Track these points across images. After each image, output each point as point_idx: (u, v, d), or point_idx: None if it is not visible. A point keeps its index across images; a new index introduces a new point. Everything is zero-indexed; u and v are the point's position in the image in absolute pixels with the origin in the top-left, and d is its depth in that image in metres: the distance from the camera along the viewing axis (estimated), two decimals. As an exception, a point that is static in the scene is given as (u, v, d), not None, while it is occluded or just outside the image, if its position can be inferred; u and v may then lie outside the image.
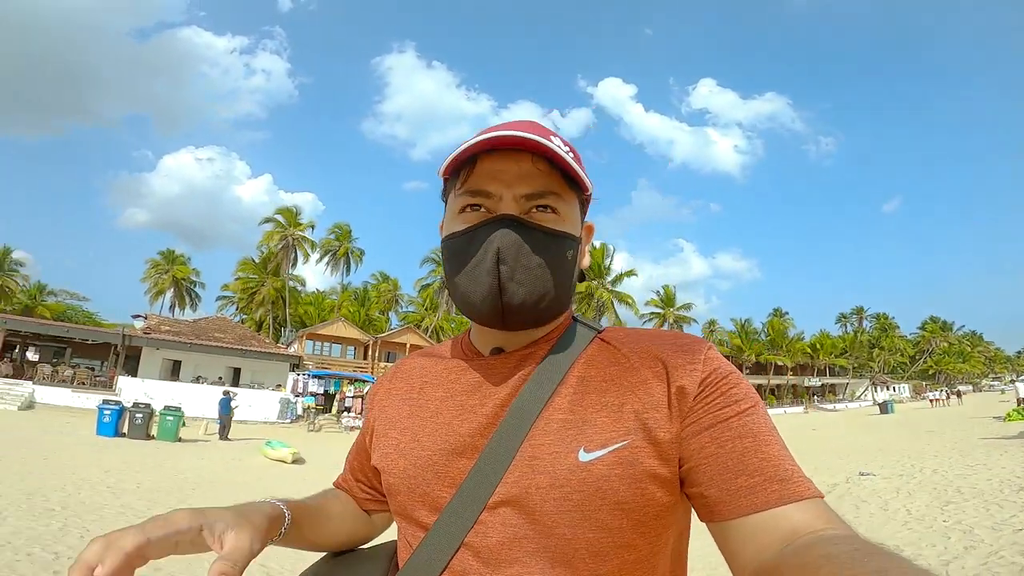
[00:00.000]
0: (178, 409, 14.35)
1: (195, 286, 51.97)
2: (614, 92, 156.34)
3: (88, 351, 27.93)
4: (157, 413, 14.05)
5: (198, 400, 19.96)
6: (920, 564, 0.35)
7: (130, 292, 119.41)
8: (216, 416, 16.15)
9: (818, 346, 56.49)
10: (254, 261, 45.55)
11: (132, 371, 22.91)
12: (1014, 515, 4.83)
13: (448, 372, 0.63)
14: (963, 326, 75.60)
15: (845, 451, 12.56)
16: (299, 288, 48.87)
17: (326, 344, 31.03)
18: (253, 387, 24.12)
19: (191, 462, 10.68)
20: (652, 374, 0.54)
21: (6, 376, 20.58)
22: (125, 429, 13.66)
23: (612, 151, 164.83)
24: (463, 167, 0.58)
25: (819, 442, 15.63)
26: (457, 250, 0.59)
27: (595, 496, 0.50)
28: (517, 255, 0.55)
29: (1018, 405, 12.66)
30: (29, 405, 18.78)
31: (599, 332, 0.62)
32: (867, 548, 0.39)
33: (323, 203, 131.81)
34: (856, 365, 60.76)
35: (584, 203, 0.64)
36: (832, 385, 57.48)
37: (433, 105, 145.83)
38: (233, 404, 16.15)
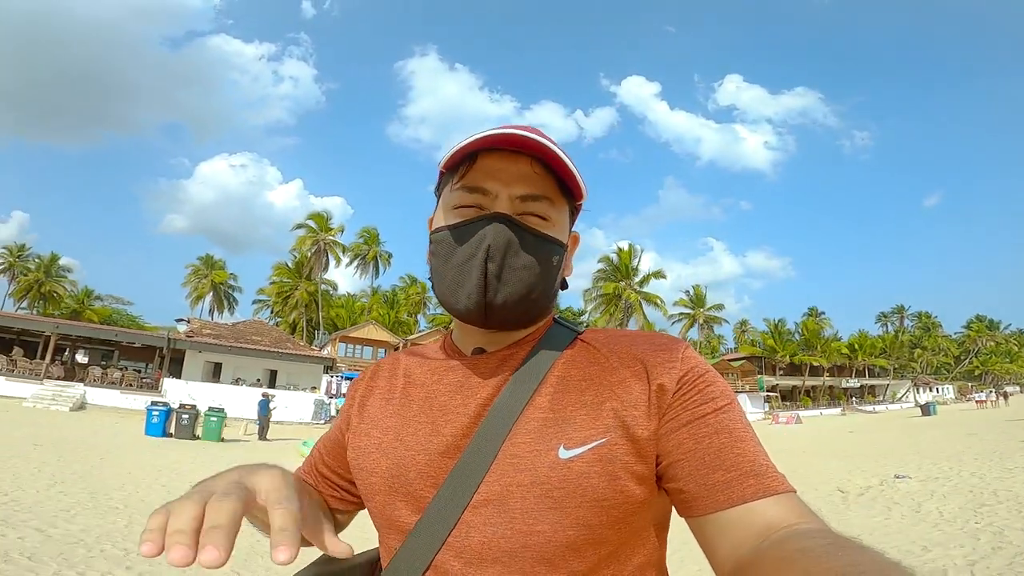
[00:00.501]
0: (221, 410, 14.91)
1: (233, 290, 53.82)
2: (637, 90, 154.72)
3: (134, 353, 29.18)
4: (202, 414, 14.63)
5: (238, 401, 20.63)
6: (891, 556, 0.36)
7: (171, 296, 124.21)
8: (255, 417, 16.68)
9: (856, 346, 54.64)
10: (288, 266, 46.79)
11: (176, 373, 23.88)
12: None
13: (431, 372, 0.64)
14: (1010, 324, 72.29)
15: (882, 454, 12.26)
16: (331, 291, 50.04)
17: (358, 347, 31.75)
18: (289, 388, 24.81)
19: (238, 462, 11.09)
20: (631, 373, 0.55)
21: (58, 378, 21.68)
22: (172, 429, 14.31)
23: (637, 150, 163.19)
24: (463, 163, 0.59)
25: (856, 445, 15.22)
26: (448, 243, 0.59)
27: (575, 493, 0.51)
28: (505, 254, 0.56)
29: None
30: (81, 406, 19.71)
31: (579, 333, 0.63)
32: (840, 541, 0.40)
33: (352, 207, 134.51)
34: (897, 366, 58.65)
35: (574, 212, 0.65)
36: (871, 386, 55.58)
37: (457, 107, 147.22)
38: (272, 405, 16.68)
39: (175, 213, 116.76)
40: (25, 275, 49.42)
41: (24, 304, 49.63)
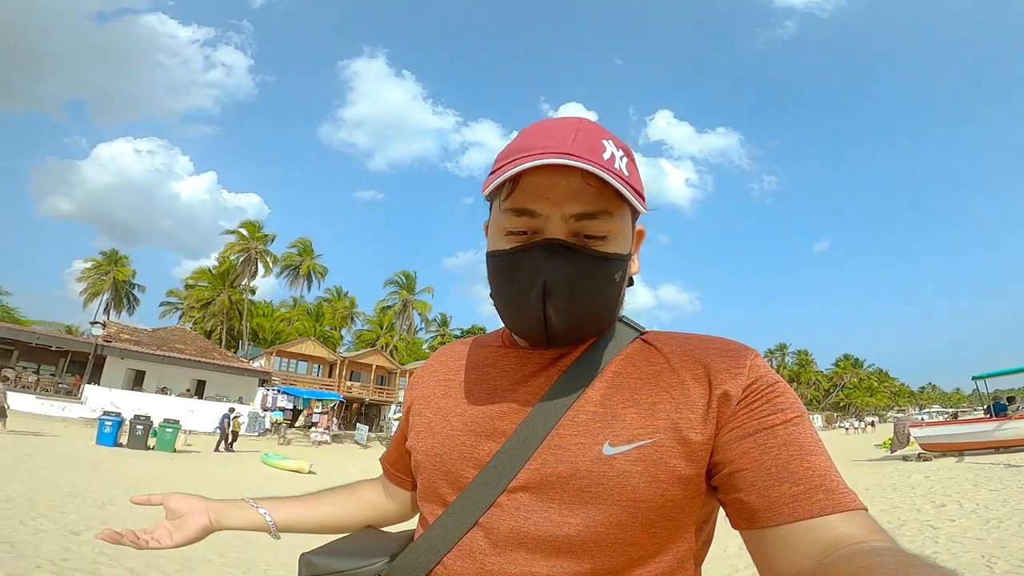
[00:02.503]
0: (176, 422, 14.95)
1: (133, 288, 49.94)
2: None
3: (35, 355, 26.81)
4: (155, 425, 14.58)
5: (163, 411, 20.02)
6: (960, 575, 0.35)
7: (47, 287, 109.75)
8: (214, 429, 16.97)
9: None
10: (211, 271, 44.61)
11: (95, 380, 22.53)
12: None
13: (486, 358, 0.64)
14: (872, 364, 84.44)
15: None
16: (247, 298, 48.16)
17: (292, 361, 31.32)
18: (220, 400, 24.25)
19: (215, 470, 11.57)
20: (691, 376, 0.54)
21: (-42, 380, 19.84)
22: (124, 439, 14.14)
23: None
24: (506, 182, 0.54)
25: None
26: (502, 271, 0.57)
27: (613, 490, 0.50)
28: (563, 286, 0.53)
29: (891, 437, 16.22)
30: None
31: (642, 333, 0.62)
32: (910, 559, 0.38)
33: (268, 206, 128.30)
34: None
35: (635, 212, 0.59)
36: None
37: (397, 115, 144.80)
38: (235, 416, 17.28)
39: (60, 195, 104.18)
40: None
41: None
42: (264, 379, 27.06)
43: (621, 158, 0.55)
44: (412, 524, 0.71)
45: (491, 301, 0.62)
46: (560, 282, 0.53)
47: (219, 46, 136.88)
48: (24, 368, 24.33)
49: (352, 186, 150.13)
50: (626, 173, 0.54)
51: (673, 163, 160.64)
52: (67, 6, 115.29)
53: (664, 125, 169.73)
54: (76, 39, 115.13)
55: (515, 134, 0.61)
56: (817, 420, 65.72)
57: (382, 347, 42.15)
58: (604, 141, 0.55)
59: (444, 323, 61.05)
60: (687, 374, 0.55)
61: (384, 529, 0.75)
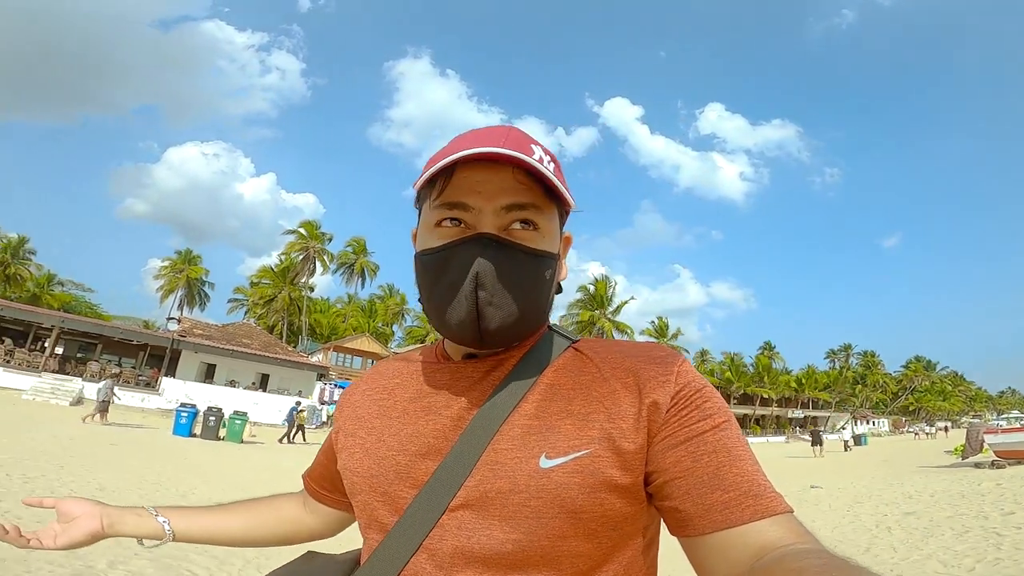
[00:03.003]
0: (244, 414, 15.91)
1: (205, 286, 53.22)
2: (620, 112, 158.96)
3: (117, 348, 29.11)
4: (226, 416, 15.58)
5: (232, 403, 21.26)
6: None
7: (126, 284, 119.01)
8: (283, 421, 18.04)
9: (803, 380, 59.16)
10: (273, 269, 46.93)
11: (171, 372, 24.24)
12: (885, 513, 7.49)
13: (419, 375, 0.63)
14: (947, 367, 78.92)
15: (809, 472, 15.59)
16: (307, 295, 50.33)
17: (348, 356, 32.67)
18: (282, 393, 25.55)
19: (278, 461, 12.23)
20: (622, 385, 0.54)
21: (55, 372, 21.81)
22: (197, 430, 15.19)
23: (616, 171, 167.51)
24: (439, 176, 0.55)
25: (791, 466, 18.52)
26: (432, 267, 0.57)
27: (552, 503, 0.50)
28: (496, 280, 0.54)
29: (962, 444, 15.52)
30: (79, 401, 19.92)
31: (574, 342, 0.62)
32: (835, 562, 0.40)
33: (324, 206, 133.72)
34: (839, 400, 63.51)
35: (564, 213, 0.61)
36: (814, 417, 59.91)
37: (443, 114, 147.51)
38: (300, 410, 18.22)
39: (136, 198, 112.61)
40: (-11, 256, 47.54)
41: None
42: (322, 373, 28.32)
43: (548, 162, 0.56)
44: (354, 544, 0.69)
45: (420, 308, 0.63)
46: (491, 273, 0.54)
47: (272, 51, 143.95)
48: (108, 361, 26.51)
49: (401, 185, 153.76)
50: (554, 178, 0.55)
51: (726, 157, 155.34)
52: (132, 14, 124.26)
53: (715, 118, 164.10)
54: (143, 46, 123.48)
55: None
56: (883, 425, 62.16)
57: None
58: (532, 145, 0.57)
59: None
60: (617, 383, 0.55)
61: (328, 553, 0.73)
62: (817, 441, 25.21)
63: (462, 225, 0.56)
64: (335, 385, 27.16)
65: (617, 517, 0.52)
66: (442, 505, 0.53)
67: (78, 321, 26.06)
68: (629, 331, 52.58)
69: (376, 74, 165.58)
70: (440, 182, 0.55)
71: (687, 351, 67.19)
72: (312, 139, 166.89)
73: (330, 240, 46.38)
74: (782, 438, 49.30)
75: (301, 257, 44.45)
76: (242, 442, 15.47)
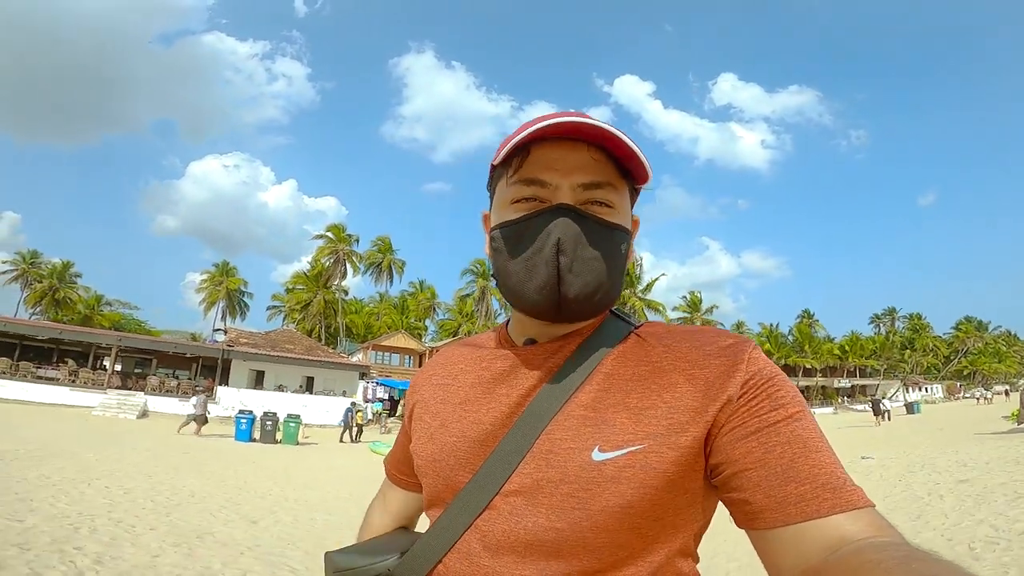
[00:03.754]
0: (297, 416, 16.73)
1: (244, 296, 55.20)
2: (631, 90, 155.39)
3: (169, 362, 30.69)
4: (281, 421, 16.42)
5: (282, 406, 22.06)
6: (971, 571, 0.35)
7: (169, 299, 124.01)
8: (339, 422, 18.94)
9: (847, 348, 57.54)
10: (306, 275, 48.34)
11: (223, 381, 25.47)
12: (938, 482, 7.45)
13: (481, 360, 0.65)
14: (999, 326, 75.41)
15: (862, 443, 15.18)
16: (342, 297, 51.70)
17: (386, 354, 33.59)
18: (328, 394, 26.56)
19: (334, 461, 12.91)
20: (684, 377, 0.54)
21: (118, 388, 23.24)
22: (256, 435, 16.08)
23: None
24: (515, 155, 0.57)
25: (841, 437, 18.08)
26: (512, 239, 0.58)
27: (601, 497, 0.50)
28: (576, 246, 0.55)
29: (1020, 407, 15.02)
30: (143, 414, 21.17)
31: (636, 327, 0.61)
32: (916, 554, 0.39)
33: (345, 207, 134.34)
34: (887, 366, 61.42)
35: (634, 194, 0.63)
36: (862, 386, 58.32)
37: (453, 107, 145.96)
38: (357, 411, 19.13)
39: (167, 214, 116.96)
40: (40, 282, 50.30)
41: (38, 311, 50.59)
42: (363, 372, 29.24)
43: (628, 138, 0.57)
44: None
45: (495, 287, 0.66)
46: (571, 239, 0.55)
47: (276, 58, 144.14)
48: (165, 375, 28.02)
49: (419, 180, 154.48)
50: (635, 146, 0.56)
51: (745, 126, 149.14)
52: (132, 32, 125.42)
53: (729, 88, 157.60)
54: (148, 62, 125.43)
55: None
56: (937, 391, 60.03)
57: (465, 335, 43.86)
58: (610, 126, 0.58)
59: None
60: (679, 375, 0.55)
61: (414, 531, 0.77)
62: (878, 410, 24.87)
63: (537, 202, 0.58)
64: (377, 383, 28.05)
65: (663, 510, 0.52)
66: (494, 490, 0.55)
67: (134, 339, 27.62)
68: (661, 308, 52.20)
69: (382, 72, 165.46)
70: (517, 160, 0.58)
71: (722, 324, 66.41)
72: (327, 142, 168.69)
73: (357, 241, 47.47)
74: (829, 409, 48.20)
75: (331, 261, 45.65)
76: (297, 443, 16.28)
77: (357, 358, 32.34)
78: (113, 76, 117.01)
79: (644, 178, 0.61)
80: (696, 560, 0.59)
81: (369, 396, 27.15)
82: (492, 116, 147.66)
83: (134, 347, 27.15)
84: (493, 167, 0.63)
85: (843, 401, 53.79)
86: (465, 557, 0.55)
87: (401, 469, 0.76)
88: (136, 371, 27.52)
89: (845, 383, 56.37)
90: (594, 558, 0.51)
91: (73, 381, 22.67)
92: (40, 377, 22.49)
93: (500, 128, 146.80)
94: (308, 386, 27.71)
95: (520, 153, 0.58)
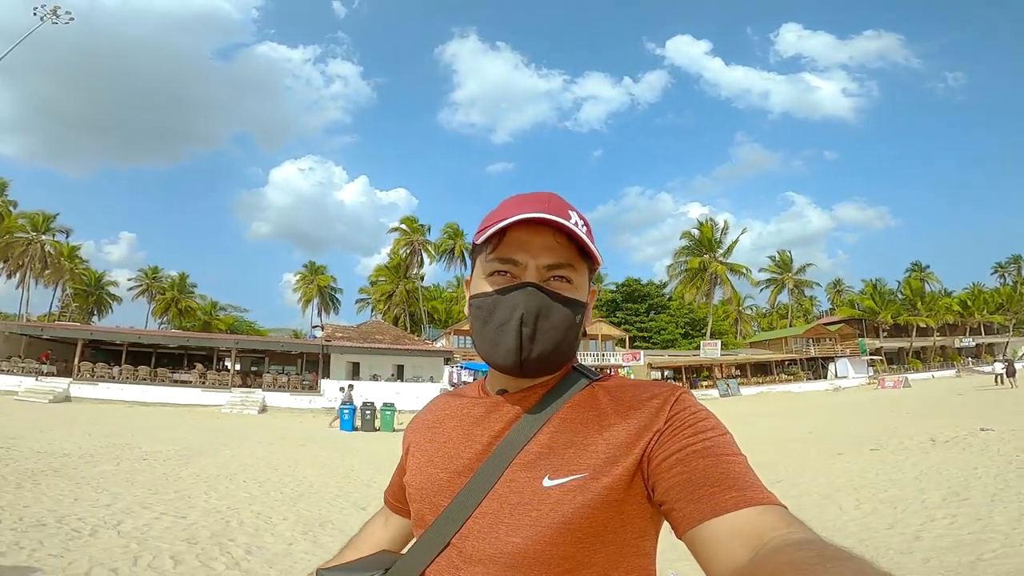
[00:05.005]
0: (392, 405, 18.02)
1: (334, 292, 59.16)
2: (686, 50, 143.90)
3: (278, 359, 33.79)
4: (379, 410, 17.74)
5: (378, 395, 23.21)
6: (880, 567, 0.40)
7: (271, 298, 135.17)
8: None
9: (968, 303, 51.32)
10: (386, 267, 50.87)
11: (325, 374, 27.72)
12: None
13: (463, 407, 0.79)
14: None
15: (982, 412, 13.76)
16: (421, 285, 53.84)
17: (468, 338, 34.81)
18: (417, 380, 28.12)
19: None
20: (622, 419, 0.66)
21: (239, 386, 25.94)
22: (358, 424, 17.51)
23: (697, 111, 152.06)
24: (494, 236, 0.70)
25: (961, 406, 16.29)
26: (486, 308, 0.72)
27: (548, 516, 0.62)
28: (536, 318, 0.69)
29: None
30: (263, 409, 23.45)
31: (594, 380, 0.74)
32: (828, 553, 0.43)
33: (416, 197, 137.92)
34: (1016, 322, 54.18)
35: (592, 271, 0.76)
36: (989, 345, 52.05)
37: (505, 87, 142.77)
38: None
39: (259, 220, 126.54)
40: (163, 294, 56.68)
41: (165, 320, 57.18)
42: (448, 358, 30.59)
43: (582, 225, 0.72)
44: None
45: (472, 345, 0.80)
46: (533, 313, 0.68)
47: (328, 60, 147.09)
48: (277, 371, 30.89)
49: (482, 162, 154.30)
50: (584, 235, 0.70)
51: (820, 76, 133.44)
52: (193, 50, 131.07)
53: (795, 39, 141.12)
54: (215, 79, 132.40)
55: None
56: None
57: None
58: (570, 211, 0.72)
59: (599, 279, 61.08)
60: (618, 418, 0.67)
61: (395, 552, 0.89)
62: (1012, 371, 22.59)
63: (509, 276, 0.71)
64: (461, 367, 29.23)
65: (604, 530, 0.63)
66: (467, 513, 0.67)
67: (248, 340, 30.78)
68: (746, 271, 49.38)
69: (429, 61, 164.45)
70: (495, 240, 0.71)
71: (818, 284, 61.75)
72: (389, 136, 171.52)
73: (428, 230, 49.11)
74: (951, 372, 43.63)
75: (408, 251, 47.65)
76: (394, 430, 17.52)
77: (441, 343, 33.81)
78: (188, 96, 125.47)
79: (596, 263, 0.75)
80: (646, 572, 0.68)
81: (454, 380, 28.37)
82: (545, 92, 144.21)
83: (249, 348, 30.32)
84: (474, 244, 0.77)
85: (967, 362, 48.44)
86: (444, 570, 0.68)
87: (397, 497, 0.90)
88: (252, 369, 30.56)
89: (969, 342, 50.48)
90: (546, 568, 0.62)
91: (203, 383, 25.56)
92: (175, 381, 25.66)
93: (554, 103, 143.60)
94: (399, 374, 29.43)
95: (498, 235, 0.71)
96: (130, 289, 57.92)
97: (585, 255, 0.73)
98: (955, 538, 4.34)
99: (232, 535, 4.99)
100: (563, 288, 0.71)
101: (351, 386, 19.85)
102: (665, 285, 55.49)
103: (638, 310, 55.57)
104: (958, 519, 4.84)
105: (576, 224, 0.70)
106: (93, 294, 54.75)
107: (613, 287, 58.29)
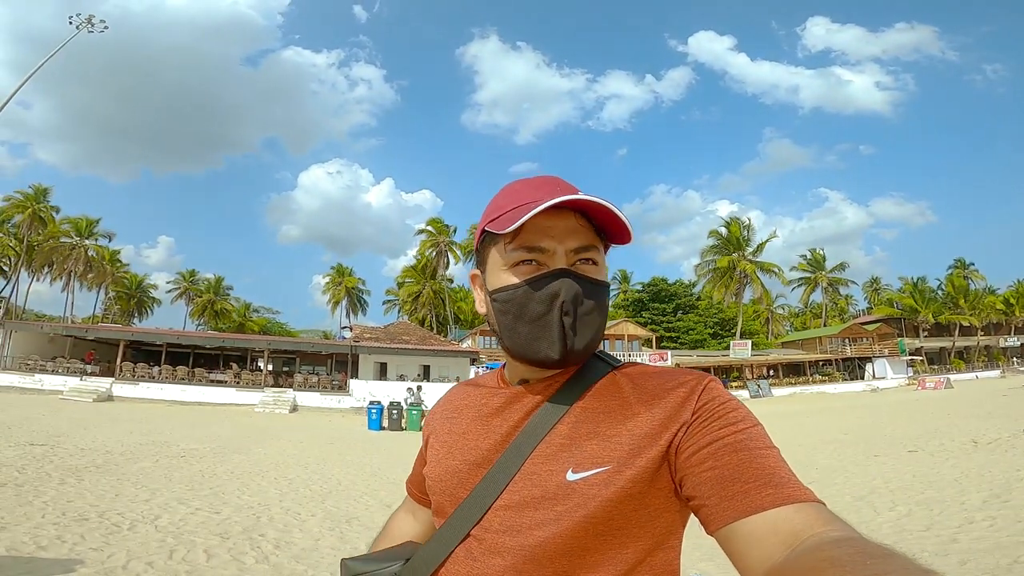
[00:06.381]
0: (418, 405, 18.19)
1: (362, 293, 60.13)
2: (709, 46, 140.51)
3: (309, 359, 34.53)
4: (405, 409, 17.97)
5: (405, 395, 23.54)
6: (922, 563, 0.38)
7: (301, 300, 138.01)
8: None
9: (1013, 300, 48.88)
10: (413, 268, 51.44)
11: (353, 374, 28.24)
12: None
13: (481, 397, 0.76)
14: None
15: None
16: (447, 286, 54.26)
17: (493, 338, 34.94)
18: (443, 380, 28.33)
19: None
20: (646, 408, 0.63)
21: (272, 386, 26.63)
22: (385, 423, 17.76)
23: (723, 107, 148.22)
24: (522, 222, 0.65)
25: (1004, 407, 15.49)
26: (516, 302, 0.67)
27: (571, 509, 0.60)
28: (576, 306, 0.65)
29: None
30: (294, 408, 24.05)
31: (615, 367, 0.71)
32: (869, 550, 0.41)
33: (441, 199, 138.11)
34: (1067, 319, 51.42)
35: (606, 249, 0.73)
36: (1037, 343, 49.58)
37: (528, 87, 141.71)
38: None
39: (289, 223, 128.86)
40: (199, 296, 58.54)
41: (201, 322, 59.04)
42: (473, 357, 30.77)
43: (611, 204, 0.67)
44: None
45: (497, 341, 0.73)
46: (572, 300, 0.65)
47: (352, 64, 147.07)
48: (308, 372, 31.59)
49: (506, 163, 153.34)
50: (619, 212, 0.65)
51: (851, 69, 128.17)
52: (223, 57, 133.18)
53: (823, 32, 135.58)
54: (244, 84, 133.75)
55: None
56: None
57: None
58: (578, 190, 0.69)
59: (625, 279, 60.78)
60: (642, 407, 0.64)
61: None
62: None
63: (535, 264, 0.67)
64: (487, 367, 29.30)
65: (627, 523, 0.61)
66: (487, 504, 0.66)
67: (280, 341, 31.57)
68: (777, 270, 48.24)
69: (451, 62, 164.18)
70: (513, 228, 0.66)
71: (854, 282, 59.79)
72: (413, 138, 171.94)
73: (455, 231, 49.45)
74: (995, 372, 41.51)
75: (434, 253, 48.11)
76: (420, 430, 17.60)
77: (467, 344, 34.08)
78: (219, 102, 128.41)
79: (625, 239, 0.69)
80: (672, 571, 0.65)
81: (481, 381, 28.52)
82: (567, 91, 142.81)
83: (281, 349, 31.10)
84: (484, 232, 0.71)
85: (1013, 362, 46.21)
86: (463, 560, 0.66)
87: (419, 487, 0.87)
88: (284, 369, 31.37)
89: (1014, 341, 48.22)
90: (567, 561, 0.61)
91: (237, 382, 26.34)
92: (211, 381, 26.49)
93: (577, 103, 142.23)
94: (425, 374, 29.73)
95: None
96: (169, 291, 59.99)
97: (602, 236, 0.70)
98: (994, 540, 4.19)
99: (263, 530, 5.13)
100: (592, 271, 0.68)
101: (420, 387, 20.07)
102: (693, 284, 54.68)
103: (665, 310, 54.76)
104: (998, 521, 4.66)
105: (605, 201, 0.67)
106: (134, 296, 56.93)
107: (639, 287, 57.74)
